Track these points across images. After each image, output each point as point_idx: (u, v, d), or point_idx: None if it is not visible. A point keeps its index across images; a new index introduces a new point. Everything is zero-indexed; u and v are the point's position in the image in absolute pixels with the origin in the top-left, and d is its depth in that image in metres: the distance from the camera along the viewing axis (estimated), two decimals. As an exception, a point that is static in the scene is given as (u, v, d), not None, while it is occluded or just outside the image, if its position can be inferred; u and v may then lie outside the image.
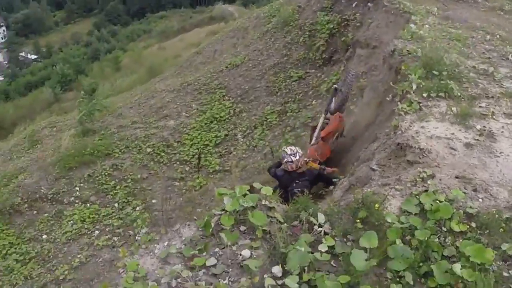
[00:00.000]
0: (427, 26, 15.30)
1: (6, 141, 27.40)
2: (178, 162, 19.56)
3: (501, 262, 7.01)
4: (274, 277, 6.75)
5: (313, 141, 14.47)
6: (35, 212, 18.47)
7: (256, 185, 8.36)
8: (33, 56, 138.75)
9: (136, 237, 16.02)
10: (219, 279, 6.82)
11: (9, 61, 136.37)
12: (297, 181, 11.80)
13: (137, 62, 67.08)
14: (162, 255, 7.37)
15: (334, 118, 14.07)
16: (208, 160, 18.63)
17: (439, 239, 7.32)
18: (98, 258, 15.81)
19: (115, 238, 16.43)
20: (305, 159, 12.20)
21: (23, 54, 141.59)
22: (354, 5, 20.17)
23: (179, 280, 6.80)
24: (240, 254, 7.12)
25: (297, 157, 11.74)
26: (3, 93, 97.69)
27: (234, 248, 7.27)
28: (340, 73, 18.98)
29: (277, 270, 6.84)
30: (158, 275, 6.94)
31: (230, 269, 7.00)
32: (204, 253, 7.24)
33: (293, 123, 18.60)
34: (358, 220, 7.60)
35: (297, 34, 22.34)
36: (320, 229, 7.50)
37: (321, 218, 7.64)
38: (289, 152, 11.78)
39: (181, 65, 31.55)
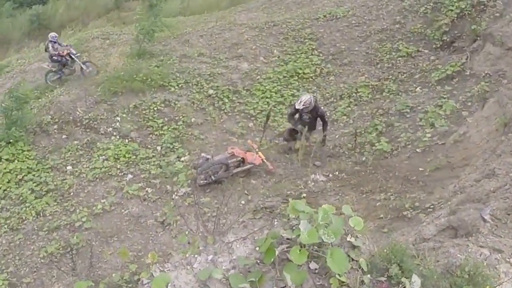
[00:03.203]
0: None
1: (51, 45, 27.14)
2: (242, 114, 18.82)
3: None
4: None
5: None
6: (64, 136, 18.04)
7: (346, 209, 7.42)
8: None
9: (174, 196, 15.25)
10: (274, 336, 6.10)
11: None
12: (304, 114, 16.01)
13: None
14: (202, 276, 6.61)
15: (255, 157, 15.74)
16: (277, 121, 17.82)
17: None
18: (124, 209, 15.18)
19: (149, 190, 15.71)
20: None
21: None
22: (498, -12, 18.97)
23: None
24: (305, 307, 6.36)
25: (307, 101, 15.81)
26: None
27: (298, 292, 6.49)
28: (460, 64, 17.84)
29: None
30: (193, 306, 6.27)
31: (288, 325, 6.25)
32: (257, 288, 6.51)
33: (388, 107, 17.63)
34: (461, 301, 6.80)
35: (418, 2, 21.30)
36: (411, 296, 6.65)
37: (416, 281, 6.77)
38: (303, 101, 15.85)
39: (270, -1, 30.69)
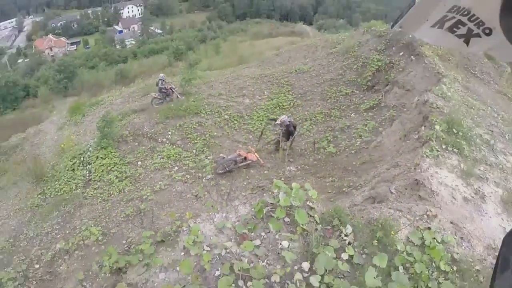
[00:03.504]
0: (453, 90, 14.32)
1: (128, 88, 27.25)
2: (245, 130, 18.86)
3: None
4: (302, 271, 6.07)
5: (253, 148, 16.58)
6: (136, 143, 18.15)
7: (307, 186, 7.50)
8: (159, 31, 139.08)
9: (203, 180, 15.42)
10: (259, 260, 6.14)
11: (141, 31, 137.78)
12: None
13: (232, 51, 66.40)
14: (219, 225, 6.72)
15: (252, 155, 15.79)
16: (267, 135, 17.86)
17: (428, 272, 6.68)
18: (172, 188, 15.27)
19: (188, 176, 15.82)
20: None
21: (152, 28, 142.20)
22: (401, 54, 19.08)
23: (228, 253, 6.15)
24: (280, 243, 6.41)
25: (283, 120, 15.87)
26: (132, 53, 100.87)
27: (276, 236, 6.54)
28: (378, 99, 17.98)
29: (306, 266, 6.13)
30: (212, 243, 6.31)
31: (270, 254, 6.29)
32: (252, 233, 6.56)
33: (334, 126, 17.66)
34: (376, 240, 6.85)
35: (353, 62, 21.32)
36: (346, 238, 6.71)
37: (349, 229, 6.84)
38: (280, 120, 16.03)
39: (263, 60, 30.67)
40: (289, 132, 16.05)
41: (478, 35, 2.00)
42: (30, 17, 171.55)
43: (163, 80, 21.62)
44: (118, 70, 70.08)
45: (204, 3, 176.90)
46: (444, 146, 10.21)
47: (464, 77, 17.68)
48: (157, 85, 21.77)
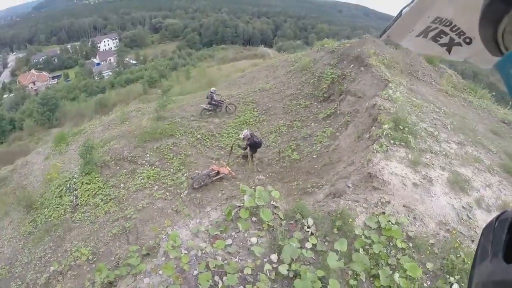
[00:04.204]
0: (398, 92, 14.68)
1: (107, 116, 26.99)
2: (217, 147, 18.83)
3: (424, 275, 6.74)
4: (271, 262, 6.19)
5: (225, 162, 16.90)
6: (118, 167, 17.94)
7: (270, 188, 7.65)
8: (134, 62, 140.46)
9: (181, 195, 15.43)
10: (232, 257, 6.23)
11: (117, 63, 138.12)
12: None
13: (201, 75, 66.31)
14: (194, 230, 6.81)
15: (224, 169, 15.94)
16: (237, 150, 17.87)
17: (387, 250, 6.93)
18: (154, 206, 15.21)
19: (167, 193, 15.76)
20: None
21: (127, 59, 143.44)
22: (351, 66, 19.56)
23: (203, 253, 6.23)
24: (249, 240, 6.53)
25: (246, 134, 16.00)
26: (110, 84, 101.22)
27: (246, 234, 6.65)
28: (334, 108, 18.33)
29: (274, 257, 6.26)
30: (189, 246, 6.38)
31: (241, 250, 6.40)
32: (224, 234, 6.66)
33: (296, 135, 17.92)
34: (336, 228, 7.02)
35: (310, 77, 21.64)
36: (308, 229, 6.87)
37: (310, 221, 7.00)
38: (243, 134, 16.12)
39: (229, 82, 30.96)
40: (254, 143, 16.19)
41: (459, 44, 2.04)
42: (14, 53, 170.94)
43: (214, 93, 21.76)
44: (98, 100, 69.73)
45: (173, 33, 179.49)
46: (392, 142, 10.56)
47: (409, 80, 18.17)
48: (207, 97, 21.93)
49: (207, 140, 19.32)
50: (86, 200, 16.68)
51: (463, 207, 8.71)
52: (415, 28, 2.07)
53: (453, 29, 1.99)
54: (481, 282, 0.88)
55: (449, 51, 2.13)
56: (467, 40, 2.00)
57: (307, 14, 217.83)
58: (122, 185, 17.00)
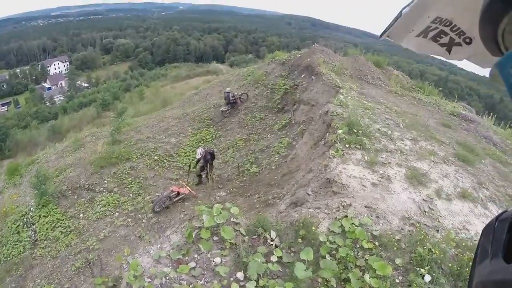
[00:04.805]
0: (349, 97, 14.94)
1: (61, 143, 26.10)
2: (175, 167, 18.55)
3: (394, 272, 6.71)
4: (238, 281, 6.00)
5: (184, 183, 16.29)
6: (75, 197, 17.31)
7: (229, 204, 7.47)
8: (86, 85, 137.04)
9: (143, 220, 15.05)
10: (197, 280, 6.00)
11: (69, 86, 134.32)
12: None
13: (155, 95, 65.86)
14: (155, 256, 6.54)
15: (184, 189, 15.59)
16: (196, 169, 17.66)
17: (354, 253, 6.88)
18: (116, 234, 14.77)
19: (129, 219, 15.35)
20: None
21: (79, 82, 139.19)
22: (302, 76, 19.88)
23: (168, 279, 5.97)
24: (213, 260, 6.32)
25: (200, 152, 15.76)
26: (62, 109, 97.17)
27: (208, 255, 6.44)
28: (288, 118, 18.43)
29: (240, 275, 6.07)
30: (152, 274, 6.11)
31: (206, 272, 6.17)
32: (187, 257, 6.42)
33: (254, 148, 17.94)
34: (300, 238, 6.92)
35: (263, 90, 21.79)
36: (272, 242, 6.73)
37: (273, 234, 6.87)
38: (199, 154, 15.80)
39: (184, 100, 30.63)
40: (210, 157, 16.16)
41: (459, 44, 2.02)
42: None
43: (229, 93, 21.67)
44: (50, 127, 67.19)
45: (125, 54, 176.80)
46: (347, 145, 10.64)
47: (359, 85, 18.49)
48: (225, 98, 21.76)
49: (165, 161, 18.97)
50: (45, 234, 15.93)
51: (423, 199, 8.85)
52: (415, 28, 2.04)
53: (453, 29, 1.97)
54: (481, 281, 0.90)
55: (449, 51, 2.12)
56: (467, 40, 1.99)
57: (257, 28, 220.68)
58: (81, 215, 16.39)
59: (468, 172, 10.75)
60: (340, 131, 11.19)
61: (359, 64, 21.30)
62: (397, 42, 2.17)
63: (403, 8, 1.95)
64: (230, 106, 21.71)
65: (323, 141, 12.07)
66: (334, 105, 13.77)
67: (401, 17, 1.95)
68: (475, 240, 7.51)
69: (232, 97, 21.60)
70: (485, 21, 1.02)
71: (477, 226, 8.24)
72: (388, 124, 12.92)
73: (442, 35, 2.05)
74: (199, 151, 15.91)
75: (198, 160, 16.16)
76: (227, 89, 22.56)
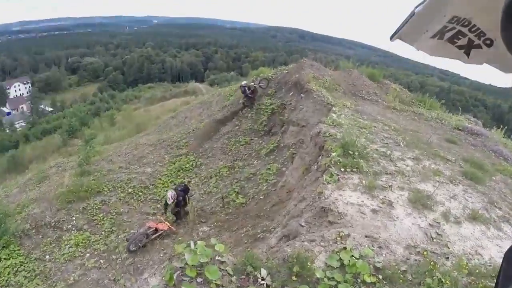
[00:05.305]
0: (343, 116, 15.10)
1: (23, 175, 25.90)
2: (152, 200, 18.53)
3: None
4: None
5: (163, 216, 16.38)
6: (40, 236, 17.04)
7: (213, 241, 7.43)
8: (50, 109, 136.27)
9: (117, 261, 14.81)
10: (180, 330, 5.94)
11: (31, 111, 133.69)
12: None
13: (128, 120, 65.68)
14: (132, 304, 6.48)
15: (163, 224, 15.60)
16: (170, 209, 17.61)
17: None
18: (88, 277, 14.52)
19: (102, 261, 15.15)
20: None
21: (42, 106, 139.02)
22: (291, 94, 20.12)
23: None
24: (197, 305, 6.25)
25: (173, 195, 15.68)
26: (24, 136, 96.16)
27: (192, 299, 6.37)
28: (276, 141, 18.51)
29: (228, 321, 6.00)
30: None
31: (189, 319, 6.11)
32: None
33: (239, 177, 17.99)
34: (294, 275, 6.89)
35: (247, 111, 22.00)
36: (263, 282, 6.68)
37: (264, 272, 6.83)
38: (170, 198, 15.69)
39: (159, 125, 30.94)
40: (183, 196, 16.14)
41: (479, 46, 2.02)
42: None
43: (246, 86, 21.97)
44: (10, 157, 66.21)
45: (93, 74, 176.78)
46: (343, 169, 10.68)
47: (353, 101, 18.70)
48: (243, 93, 22.06)
49: (140, 194, 18.93)
50: (7, 280, 15.56)
51: (430, 224, 8.85)
52: (429, 29, 2.03)
53: (472, 30, 1.96)
54: None
55: (467, 54, 2.12)
56: (488, 42, 1.99)
57: (239, 43, 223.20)
58: (47, 256, 16.10)
59: (478, 191, 10.83)
60: (334, 154, 11.26)
61: (353, 78, 21.62)
62: (410, 44, 2.18)
63: (416, 7, 1.96)
64: (248, 99, 22.10)
65: (315, 166, 12.12)
66: (326, 125, 13.89)
67: (414, 16, 1.96)
68: (489, 266, 7.53)
69: (249, 89, 21.90)
70: (508, 21, 1.02)
71: (490, 250, 8.27)
72: (387, 143, 13.06)
73: (460, 36, 2.05)
74: (170, 195, 15.79)
75: (172, 203, 16.04)
76: (243, 83, 22.95)
